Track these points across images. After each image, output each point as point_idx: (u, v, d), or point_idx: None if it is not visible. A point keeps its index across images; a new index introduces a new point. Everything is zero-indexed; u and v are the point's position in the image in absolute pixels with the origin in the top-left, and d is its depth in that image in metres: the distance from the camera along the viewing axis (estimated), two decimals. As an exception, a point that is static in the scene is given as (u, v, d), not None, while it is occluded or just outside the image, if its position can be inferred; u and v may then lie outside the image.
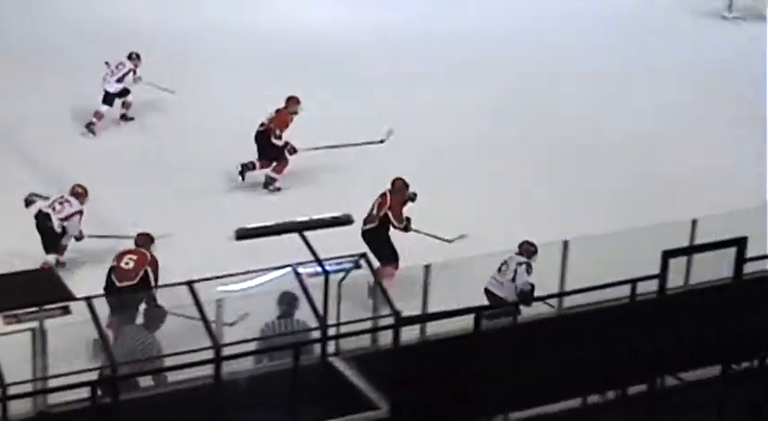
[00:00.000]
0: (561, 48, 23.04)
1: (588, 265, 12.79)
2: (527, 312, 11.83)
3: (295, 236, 10.39)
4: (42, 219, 14.98)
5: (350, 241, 11.36)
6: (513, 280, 13.45)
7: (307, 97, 17.95)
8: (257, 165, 17.61)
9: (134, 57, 19.67)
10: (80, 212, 15.12)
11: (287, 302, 11.47)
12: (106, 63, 19.51)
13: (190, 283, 10.28)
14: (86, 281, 13.34)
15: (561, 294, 12.45)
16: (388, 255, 14.67)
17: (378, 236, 14.72)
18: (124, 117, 19.80)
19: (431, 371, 10.37)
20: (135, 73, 19.58)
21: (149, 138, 19.33)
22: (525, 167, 18.34)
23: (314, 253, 10.55)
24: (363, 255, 11.17)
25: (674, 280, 11.47)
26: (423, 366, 10.42)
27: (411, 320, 11.01)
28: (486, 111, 20.09)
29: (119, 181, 17.21)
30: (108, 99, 19.45)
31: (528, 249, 13.66)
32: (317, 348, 10.67)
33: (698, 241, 12.57)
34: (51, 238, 14.99)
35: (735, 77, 21.46)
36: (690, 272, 12.49)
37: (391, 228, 14.85)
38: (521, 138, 19.39)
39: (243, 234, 10.28)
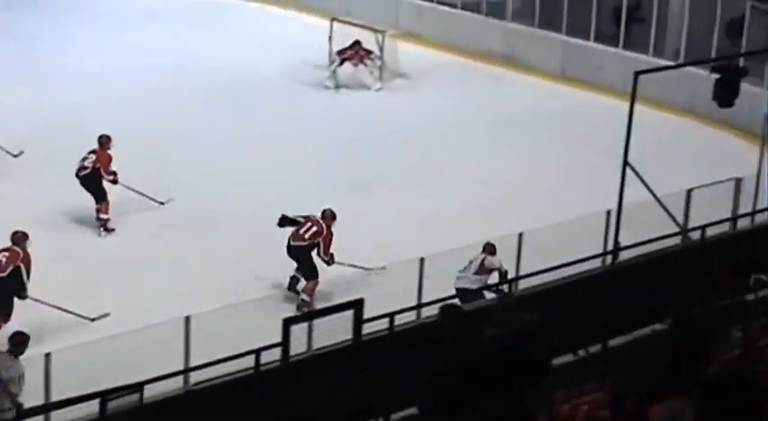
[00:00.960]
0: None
1: (212, 339, 12.84)
2: (153, 391, 11.70)
3: None
4: None
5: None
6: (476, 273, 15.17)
7: None
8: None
9: None
10: None
11: None
12: None
13: None
14: None
15: (186, 370, 12.41)
16: (312, 273, 16.10)
17: (305, 254, 16.20)
18: None
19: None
20: None
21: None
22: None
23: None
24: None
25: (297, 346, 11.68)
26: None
27: (34, 411, 10.68)
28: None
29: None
30: None
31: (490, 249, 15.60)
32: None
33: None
34: None
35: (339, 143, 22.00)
36: (312, 337, 12.71)
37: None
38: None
39: None
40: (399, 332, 13.26)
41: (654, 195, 14.82)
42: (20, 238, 15.03)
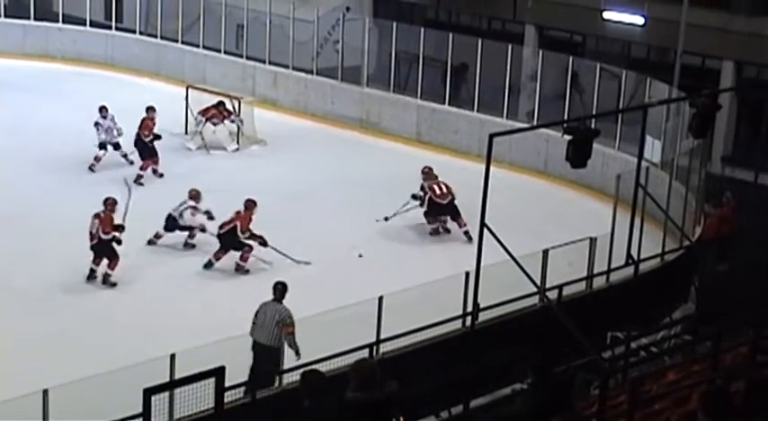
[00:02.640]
0: None
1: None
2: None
3: None
4: None
5: None
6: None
7: None
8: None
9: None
10: None
11: None
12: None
13: None
14: None
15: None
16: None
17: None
18: None
19: None
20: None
21: None
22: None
23: None
24: None
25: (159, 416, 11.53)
26: None
27: None
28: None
29: None
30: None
31: None
32: None
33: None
34: None
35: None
36: (173, 406, 12.57)
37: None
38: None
39: None
40: (261, 399, 13.23)
41: (511, 256, 15.02)
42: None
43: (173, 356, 13.09)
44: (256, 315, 14.86)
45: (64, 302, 17.94)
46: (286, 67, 29.40)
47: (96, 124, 23.68)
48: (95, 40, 32.15)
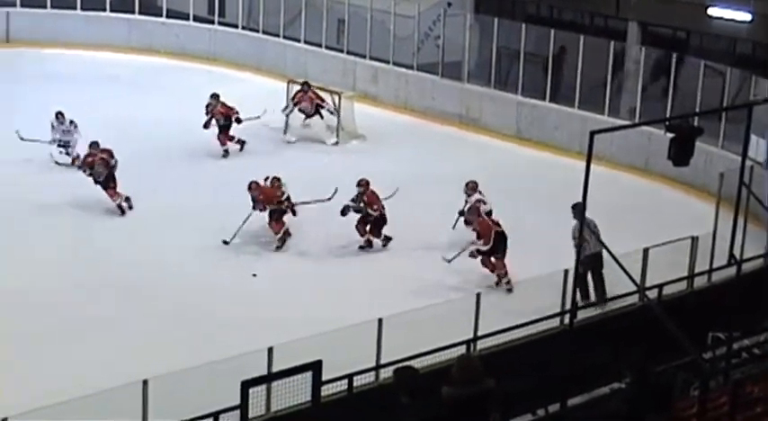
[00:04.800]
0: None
1: (170, 402, 12.73)
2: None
3: None
4: None
5: None
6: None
7: None
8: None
9: None
10: None
11: None
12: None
13: None
14: None
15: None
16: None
17: None
18: None
19: None
20: None
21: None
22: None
23: None
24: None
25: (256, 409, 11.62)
26: None
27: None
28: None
29: None
30: None
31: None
32: None
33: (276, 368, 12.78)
34: None
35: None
36: (270, 399, 12.65)
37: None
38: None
39: None
40: (358, 393, 13.25)
41: (611, 254, 14.89)
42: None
43: (270, 349, 13.16)
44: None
45: (164, 292, 18.21)
46: (386, 62, 29.43)
47: (53, 127, 23.70)
48: (198, 35, 32.50)
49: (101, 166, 20.94)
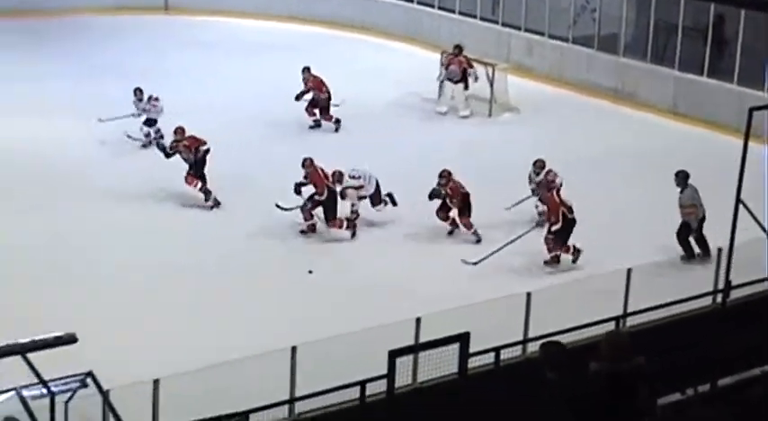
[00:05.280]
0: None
1: (319, 368, 12.89)
2: (259, 420, 11.77)
3: (17, 358, 10.06)
4: None
5: (74, 360, 11.04)
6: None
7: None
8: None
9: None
10: None
11: (10, 428, 11.08)
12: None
13: None
14: None
15: (292, 400, 12.47)
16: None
17: None
18: None
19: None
20: None
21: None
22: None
23: (37, 374, 10.22)
24: (89, 374, 10.91)
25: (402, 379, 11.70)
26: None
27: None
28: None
29: None
30: None
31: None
32: (45, 473, 10.31)
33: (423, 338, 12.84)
34: None
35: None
36: (417, 369, 12.73)
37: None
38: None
39: (-38, 359, 9.89)
40: (505, 367, 13.23)
41: (767, 233, 14.58)
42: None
43: (418, 320, 13.23)
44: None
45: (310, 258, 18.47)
46: (542, 34, 29.19)
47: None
48: (352, 4, 32.66)
49: (186, 153, 20.46)
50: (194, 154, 20.43)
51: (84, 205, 20.10)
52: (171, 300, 16.79)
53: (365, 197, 19.76)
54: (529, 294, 14.41)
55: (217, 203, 20.33)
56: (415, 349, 12.33)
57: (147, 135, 23.02)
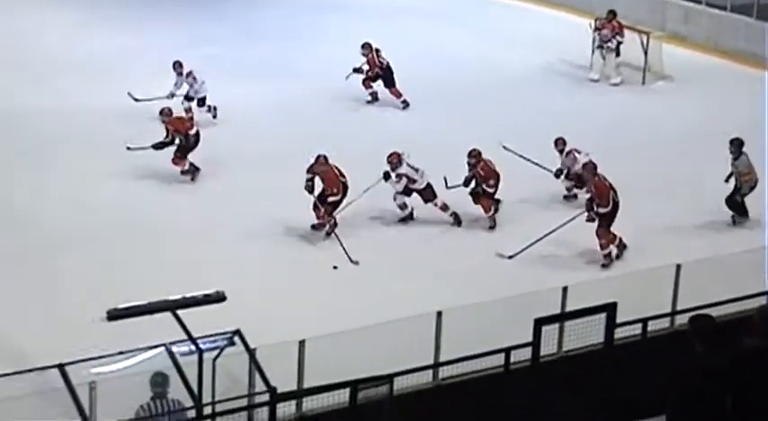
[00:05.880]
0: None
1: (462, 335, 12.88)
2: (403, 383, 11.81)
3: (167, 314, 10.27)
4: None
5: (222, 318, 11.22)
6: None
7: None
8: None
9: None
10: None
11: (160, 383, 11.29)
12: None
13: (61, 366, 10.07)
14: None
15: (436, 365, 12.49)
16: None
17: None
18: None
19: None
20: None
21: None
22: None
23: (187, 331, 10.42)
24: (237, 332, 11.08)
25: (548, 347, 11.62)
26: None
27: (287, 396, 10.94)
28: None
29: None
30: None
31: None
32: (193, 428, 10.53)
33: (570, 307, 12.74)
34: None
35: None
36: (563, 338, 12.64)
37: None
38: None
39: (115, 314, 10.14)
40: (652, 338, 13.04)
41: None
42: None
43: (565, 289, 13.13)
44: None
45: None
46: (698, 2, 28.60)
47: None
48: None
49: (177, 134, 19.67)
50: (185, 137, 19.69)
51: (247, 169, 20.35)
52: (315, 263, 16.96)
53: (414, 191, 18.33)
54: (678, 266, 14.18)
55: (194, 172, 19.75)
56: (561, 318, 12.25)
57: (188, 110, 21.84)
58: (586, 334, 11.95)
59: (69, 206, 18.62)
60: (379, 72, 23.53)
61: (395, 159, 18.12)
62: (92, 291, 15.31)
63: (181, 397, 10.79)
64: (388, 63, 23.58)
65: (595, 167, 17.47)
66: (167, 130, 19.65)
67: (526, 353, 11.37)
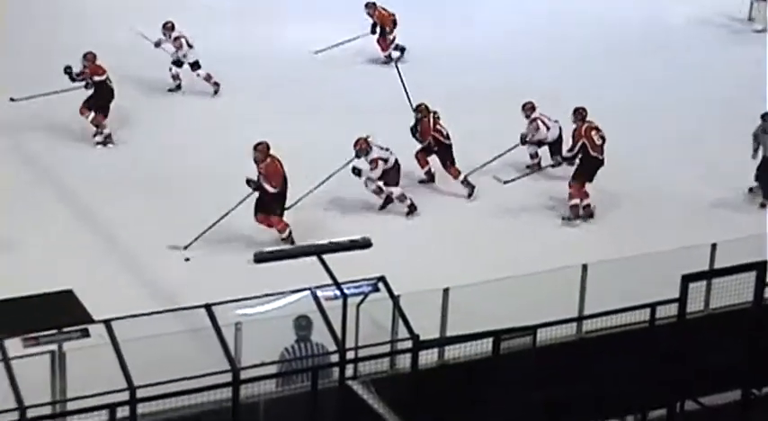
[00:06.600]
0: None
1: (607, 290, 12.77)
2: (546, 336, 11.75)
3: (314, 259, 10.37)
4: None
5: (368, 264, 11.28)
6: None
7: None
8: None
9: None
10: None
11: (304, 326, 11.42)
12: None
13: (208, 306, 10.24)
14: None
15: (581, 318, 12.39)
16: None
17: None
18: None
19: (449, 395, 10.31)
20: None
21: (145, 154, 19.28)
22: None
23: (332, 276, 10.51)
24: (381, 279, 11.12)
25: (694, 304, 11.46)
26: (441, 390, 10.37)
27: (429, 344, 10.97)
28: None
29: (126, 198, 17.38)
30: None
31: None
32: (336, 372, 10.62)
33: (717, 265, 12.51)
34: None
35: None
36: (710, 296, 12.44)
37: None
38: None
39: (261, 257, 10.28)
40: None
41: None
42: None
43: (714, 246, 12.89)
44: None
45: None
46: None
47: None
48: None
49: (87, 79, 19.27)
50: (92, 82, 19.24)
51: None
52: (462, 213, 16.98)
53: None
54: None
55: (105, 142, 19.28)
56: (709, 274, 12.04)
57: (176, 77, 21.43)
58: (735, 292, 11.75)
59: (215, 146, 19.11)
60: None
61: (363, 145, 17.05)
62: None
63: (324, 341, 10.89)
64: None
65: (585, 115, 17.10)
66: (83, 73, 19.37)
67: (673, 310, 11.21)
